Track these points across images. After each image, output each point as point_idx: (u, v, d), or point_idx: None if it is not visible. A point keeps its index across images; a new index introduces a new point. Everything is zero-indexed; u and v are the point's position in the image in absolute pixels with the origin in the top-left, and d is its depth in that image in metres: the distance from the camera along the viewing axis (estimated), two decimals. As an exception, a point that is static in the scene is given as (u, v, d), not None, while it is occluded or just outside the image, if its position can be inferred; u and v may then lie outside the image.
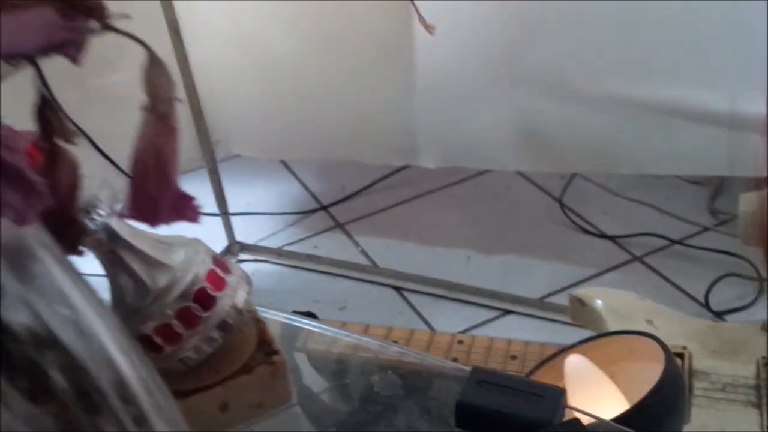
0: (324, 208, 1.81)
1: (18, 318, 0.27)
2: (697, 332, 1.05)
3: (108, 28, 0.30)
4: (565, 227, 1.65)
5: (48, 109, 0.29)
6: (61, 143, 0.29)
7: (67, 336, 0.28)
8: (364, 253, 1.67)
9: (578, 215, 1.66)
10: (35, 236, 0.28)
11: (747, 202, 0.79)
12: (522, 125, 1.45)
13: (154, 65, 0.31)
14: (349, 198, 1.81)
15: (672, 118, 1.36)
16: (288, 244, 1.72)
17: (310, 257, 1.67)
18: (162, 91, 0.31)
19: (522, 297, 1.49)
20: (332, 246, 1.70)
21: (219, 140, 1.67)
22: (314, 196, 1.84)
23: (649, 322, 1.04)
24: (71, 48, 0.28)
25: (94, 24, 0.29)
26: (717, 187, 1.68)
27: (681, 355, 0.98)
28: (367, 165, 1.68)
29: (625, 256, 1.57)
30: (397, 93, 1.47)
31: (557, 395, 0.53)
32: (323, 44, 1.48)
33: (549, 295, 1.49)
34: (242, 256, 1.69)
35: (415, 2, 1.03)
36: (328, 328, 0.78)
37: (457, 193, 1.78)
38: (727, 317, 1.40)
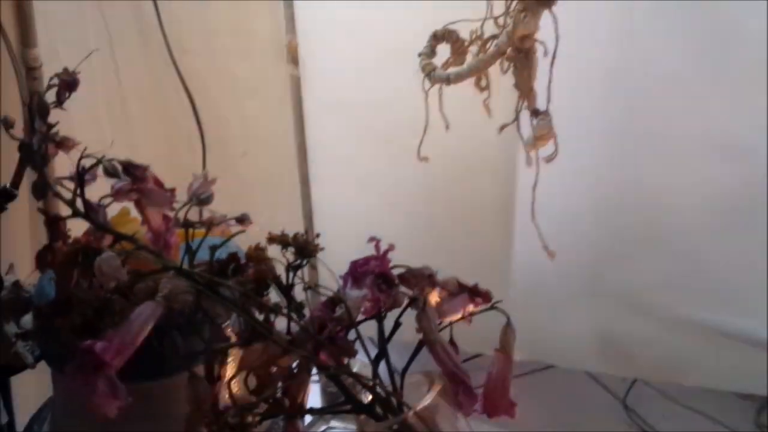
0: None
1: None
2: None
3: (493, 307, 0.52)
4: (627, 426, 1.81)
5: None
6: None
7: None
8: (441, 430, 1.82)
9: (638, 416, 1.83)
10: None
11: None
12: (599, 331, 1.66)
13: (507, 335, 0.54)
14: (427, 378, 1.97)
15: (730, 341, 1.58)
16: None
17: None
18: (509, 347, 0.53)
19: (588, 490, 1.64)
20: (411, 420, 1.84)
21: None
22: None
23: None
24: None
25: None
26: (762, 402, 1.85)
27: None
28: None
29: (683, 458, 1.72)
30: (492, 291, 1.68)
31: None
32: (430, 240, 1.70)
33: (613, 489, 1.64)
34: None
35: (537, 224, 1.25)
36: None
37: (526, 383, 1.94)
38: None
